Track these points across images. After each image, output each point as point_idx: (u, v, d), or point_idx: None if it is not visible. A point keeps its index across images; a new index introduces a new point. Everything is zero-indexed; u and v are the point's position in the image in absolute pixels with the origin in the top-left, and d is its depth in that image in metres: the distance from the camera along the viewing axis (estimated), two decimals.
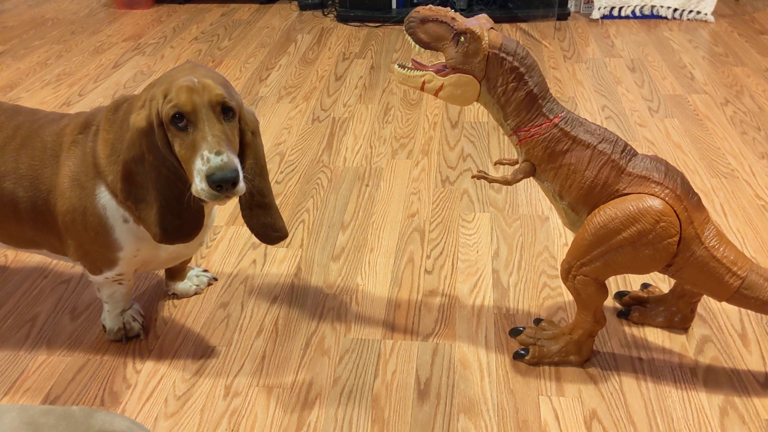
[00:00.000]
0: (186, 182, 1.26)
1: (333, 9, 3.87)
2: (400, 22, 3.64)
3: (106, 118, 1.35)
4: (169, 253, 1.42)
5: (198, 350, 1.52)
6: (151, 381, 1.44)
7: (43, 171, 1.37)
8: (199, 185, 1.19)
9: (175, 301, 1.66)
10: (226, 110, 1.23)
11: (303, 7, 3.91)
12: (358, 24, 3.67)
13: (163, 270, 1.71)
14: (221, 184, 1.17)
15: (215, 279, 1.72)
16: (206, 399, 1.40)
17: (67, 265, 1.79)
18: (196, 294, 1.68)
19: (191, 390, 1.42)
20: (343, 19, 3.71)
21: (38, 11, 3.94)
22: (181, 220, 1.28)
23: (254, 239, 1.89)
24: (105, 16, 3.83)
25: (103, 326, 1.54)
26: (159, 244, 1.37)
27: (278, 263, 1.80)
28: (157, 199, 1.26)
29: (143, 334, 1.55)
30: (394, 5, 3.72)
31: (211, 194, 1.18)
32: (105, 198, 1.33)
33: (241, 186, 1.20)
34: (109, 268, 1.41)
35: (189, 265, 1.70)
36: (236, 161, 1.20)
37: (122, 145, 1.30)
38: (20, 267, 1.79)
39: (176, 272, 1.65)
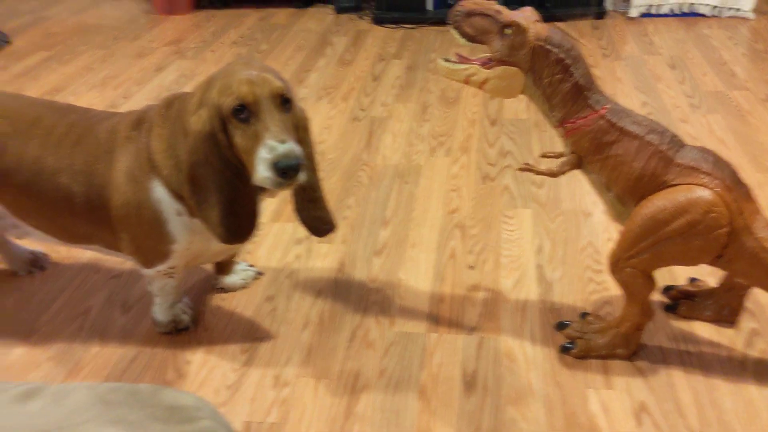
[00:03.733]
0: (247, 182, 1.29)
1: (369, 11, 3.90)
2: (436, 23, 3.66)
3: (158, 114, 1.39)
4: (220, 246, 1.45)
5: (246, 342, 1.55)
6: (201, 371, 1.47)
7: (97, 166, 1.41)
8: (263, 174, 1.22)
9: (223, 295, 1.69)
10: (285, 101, 1.26)
11: (339, 11, 3.95)
12: (394, 26, 3.69)
13: (212, 264, 1.74)
14: (286, 172, 1.19)
15: (261, 273, 1.75)
16: (256, 389, 1.42)
17: (118, 261, 1.83)
18: (242, 288, 1.71)
19: (241, 380, 1.45)
20: (378, 21, 3.73)
21: (81, 18, 4.03)
22: (242, 220, 1.31)
23: (298, 235, 1.91)
24: (146, 22, 3.91)
25: (154, 318, 1.58)
26: (210, 238, 1.40)
27: (322, 258, 1.82)
28: (219, 201, 1.28)
29: (193, 327, 1.58)
30: (429, 6, 3.73)
31: (276, 182, 1.21)
32: (159, 192, 1.36)
33: (303, 174, 1.23)
34: (162, 261, 1.45)
35: (235, 260, 1.73)
36: (299, 149, 1.23)
37: (175, 140, 1.33)
38: (72, 263, 1.83)
39: (224, 267, 1.68)
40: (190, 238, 1.40)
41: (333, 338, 1.55)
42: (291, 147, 1.21)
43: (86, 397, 0.81)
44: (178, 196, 1.35)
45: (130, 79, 3.04)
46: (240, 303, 1.67)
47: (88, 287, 1.74)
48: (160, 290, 1.53)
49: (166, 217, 1.37)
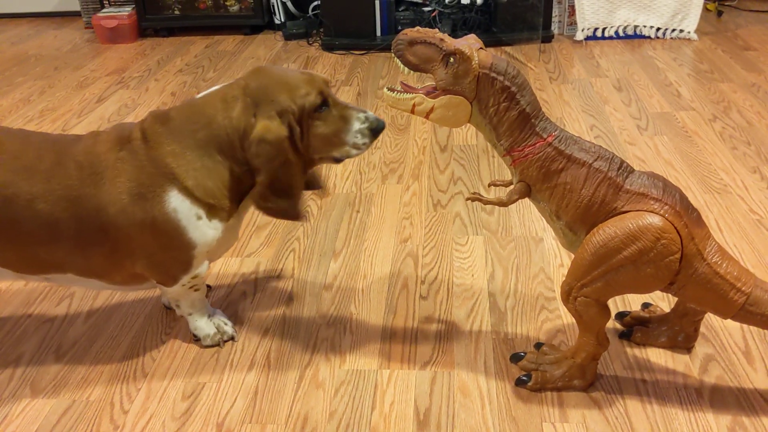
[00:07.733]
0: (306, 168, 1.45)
1: (318, 38, 3.87)
2: (385, 49, 3.64)
3: (156, 132, 1.37)
4: (227, 244, 1.50)
5: (188, 387, 1.47)
6: (139, 421, 1.39)
7: (85, 190, 1.36)
8: (360, 141, 1.42)
9: (164, 336, 1.61)
10: None
11: (288, 37, 3.91)
12: (344, 52, 3.67)
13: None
14: (379, 131, 1.43)
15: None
16: None
17: (52, 304, 1.73)
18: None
19: (181, 429, 1.36)
20: (328, 47, 3.70)
21: (21, 48, 3.91)
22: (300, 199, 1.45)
23: (243, 270, 1.84)
24: (88, 51, 3.81)
25: (197, 335, 1.57)
26: (229, 233, 1.46)
27: (269, 294, 1.75)
28: (298, 190, 1.41)
29: (236, 337, 1.59)
30: (378, 32, 3.72)
31: (367, 144, 1.44)
32: (176, 201, 1.35)
33: None
34: (185, 271, 1.44)
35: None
36: None
37: (200, 152, 1.36)
38: (2, 307, 1.73)
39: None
40: (209, 240, 1.40)
41: (280, 380, 1.48)
42: (372, 114, 1.44)
43: None
44: (200, 201, 1.37)
45: (70, 110, 2.93)
46: (182, 344, 1.59)
47: (20, 332, 1.64)
48: (191, 306, 1.54)
49: (185, 224, 1.37)
